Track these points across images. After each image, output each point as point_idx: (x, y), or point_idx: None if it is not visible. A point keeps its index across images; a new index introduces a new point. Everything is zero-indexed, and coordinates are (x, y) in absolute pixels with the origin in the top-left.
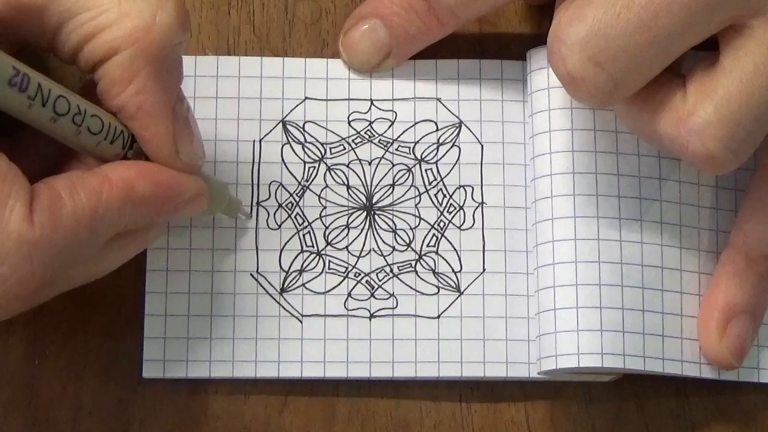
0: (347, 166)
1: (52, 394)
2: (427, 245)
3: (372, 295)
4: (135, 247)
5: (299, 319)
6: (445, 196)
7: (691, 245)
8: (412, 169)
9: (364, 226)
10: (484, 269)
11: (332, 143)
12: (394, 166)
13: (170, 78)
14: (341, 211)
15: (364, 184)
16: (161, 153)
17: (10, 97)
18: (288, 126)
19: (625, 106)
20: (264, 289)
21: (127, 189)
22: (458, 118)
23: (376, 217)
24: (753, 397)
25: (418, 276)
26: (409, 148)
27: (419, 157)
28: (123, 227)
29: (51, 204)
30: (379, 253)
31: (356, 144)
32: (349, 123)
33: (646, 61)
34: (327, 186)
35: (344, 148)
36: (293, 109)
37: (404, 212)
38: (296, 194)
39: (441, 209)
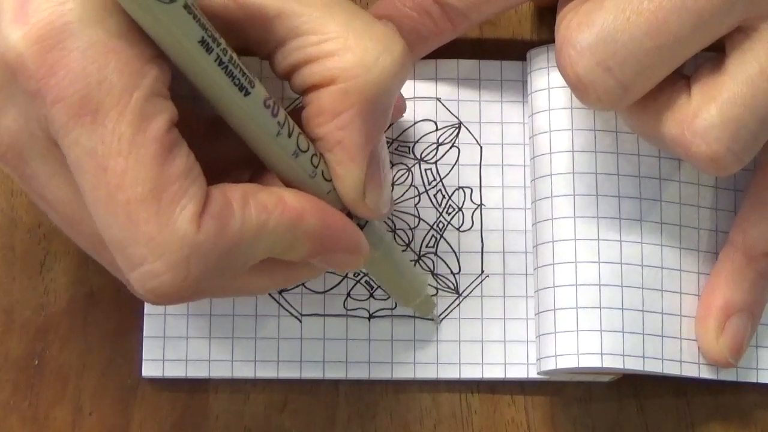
0: None
1: (52, 394)
2: (426, 246)
3: (371, 295)
4: (281, 278)
5: (298, 319)
6: (444, 196)
7: (691, 246)
8: (412, 169)
9: None
10: (482, 271)
11: None
12: (393, 165)
13: (376, 121)
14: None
15: None
16: (348, 192)
17: (261, 120)
18: None
19: (629, 107)
20: None
21: (297, 218)
22: (458, 118)
23: None
24: (752, 397)
25: None
26: (409, 147)
27: (419, 157)
28: (276, 254)
29: (221, 212)
30: None
31: None
32: None
33: (656, 65)
34: None
35: None
36: None
37: (403, 212)
38: None
39: (440, 210)
